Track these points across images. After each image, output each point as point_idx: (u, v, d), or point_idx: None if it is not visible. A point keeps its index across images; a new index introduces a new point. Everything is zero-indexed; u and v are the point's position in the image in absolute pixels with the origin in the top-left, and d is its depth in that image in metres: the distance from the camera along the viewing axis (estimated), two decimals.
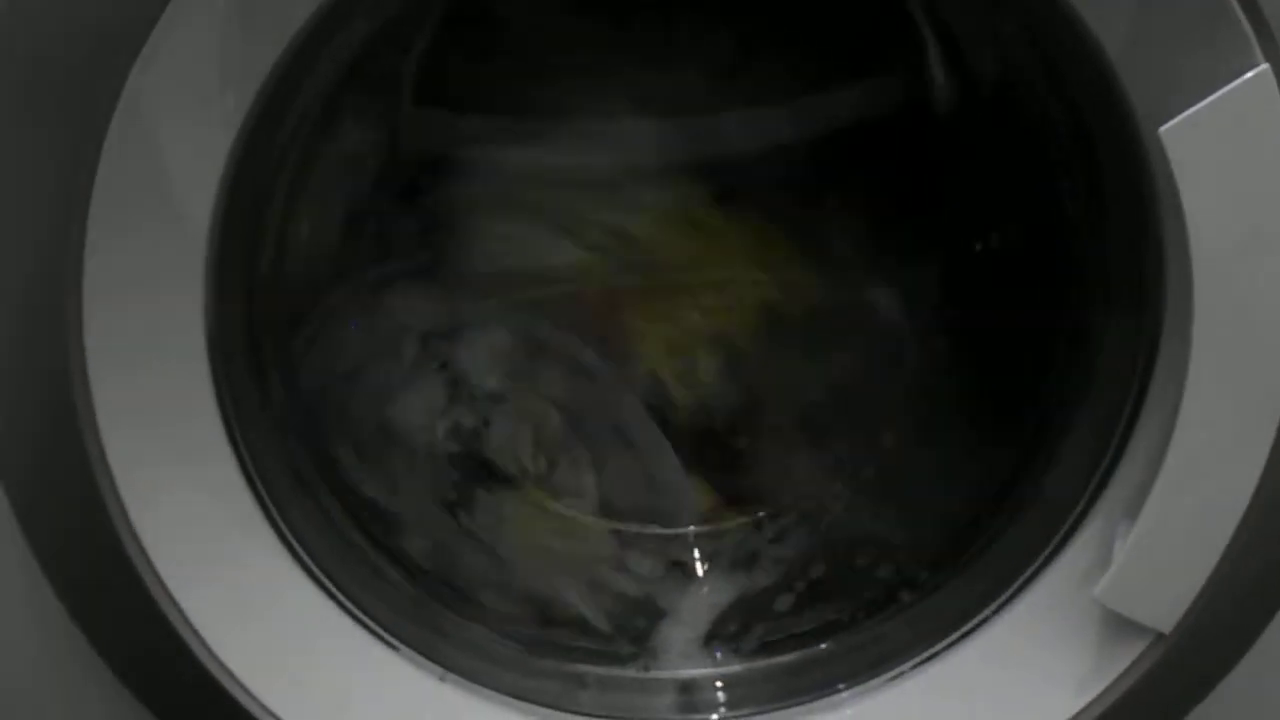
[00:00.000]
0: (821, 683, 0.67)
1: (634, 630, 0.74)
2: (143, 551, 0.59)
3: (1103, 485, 0.63)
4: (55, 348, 0.56)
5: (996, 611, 0.64)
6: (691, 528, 0.80)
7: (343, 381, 0.74)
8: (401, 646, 0.64)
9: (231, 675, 0.60)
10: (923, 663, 0.65)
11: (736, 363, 0.80)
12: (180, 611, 0.59)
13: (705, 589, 0.76)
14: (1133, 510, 0.60)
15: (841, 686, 0.66)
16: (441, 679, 0.65)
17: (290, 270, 0.70)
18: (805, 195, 0.78)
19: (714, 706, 0.70)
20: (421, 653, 0.65)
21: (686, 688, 0.71)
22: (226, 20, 0.54)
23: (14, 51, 0.54)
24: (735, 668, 0.71)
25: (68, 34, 0.53)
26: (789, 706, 0.66)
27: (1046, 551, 0.64)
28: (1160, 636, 0.60)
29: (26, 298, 0.56)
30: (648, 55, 0.76)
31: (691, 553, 0.79)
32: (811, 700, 0.66)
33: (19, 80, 0.54)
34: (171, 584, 0.59)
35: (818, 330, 0.80)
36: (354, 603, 0.64)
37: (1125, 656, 0.61)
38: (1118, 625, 0.60)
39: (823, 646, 0.70)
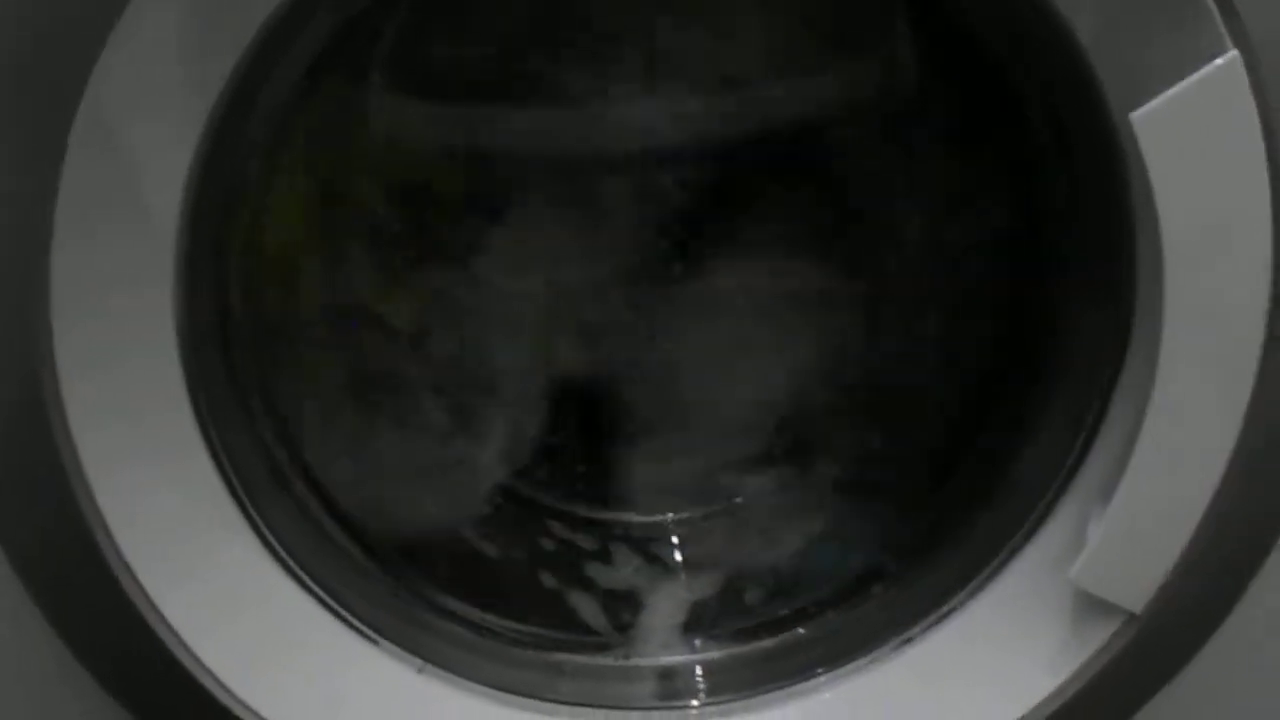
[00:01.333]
0: (800, 667, 0.67)
1: (613, 620, 0.74)
2: (118, 551, 0.58)
3: (1076, 469, 0.63)
4: (24, 348, 0.56)
5: (973, 595, 0.64)
6: (670, 515, 0.80)
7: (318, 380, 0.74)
8: (381, 640, 0.64)
9: (211, 674, 0.60)
10: (900, 646, 0.65)
11: (708, 350, 0.80)
12: (157, 611, 0.59)
13: (683, 577, 0.77)
14: (1106, 494, 0.60)
15: (820, 670, 0.66)
16: (420, 670, 0.65)
17: (263, 265, 0.69)
18: (777, 183, 0.78)
19: (694, 693, 0.70)
20: (401, 645, 0.65)
21: (666, 675, 0.71)
22: (189, 15, 0.53)
23: None
24: (714, 654, 0.71)
25: (30, 32, 0.52)
26: (768, 691, 0.66)
27: (1021, 535, 0.64)
28: (1132, 617, 0.61)
29: None
30: (625, 41, 0.75)
31: (669, 540, 0.79)
32: (790, 684, 0.66)
33: None
34: (148, 583, 0.59)
35: (788, 318, 0.80)
36: (333, 597, 0.64)
37: (1098, 636, 0.62)
38: (1091, 606, 0.61)
39: (800, 632, 0.71)
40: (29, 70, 0.53)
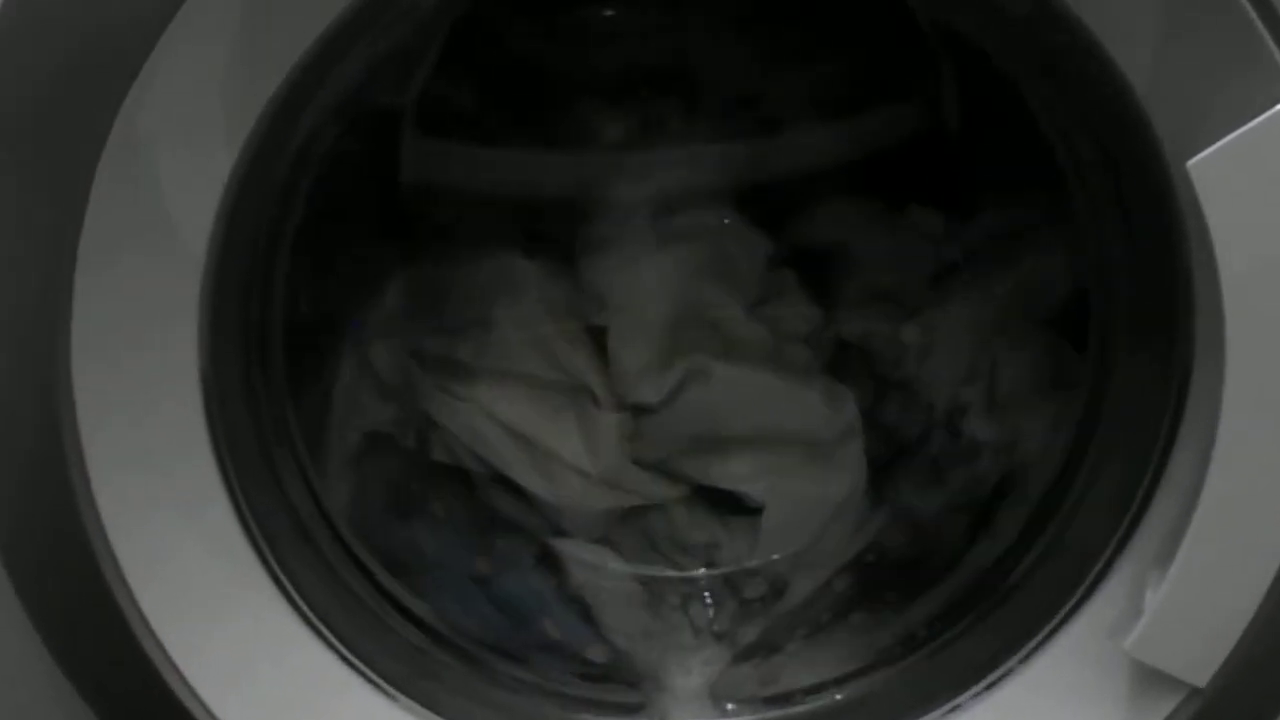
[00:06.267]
0: None
1: (644, 681, 0.71)
2: (135, 605, 0.57)
3: (1132, 530, 0.61)
4: (43, 393, 0.55)
5: (1021, 663, 0.62)
6: (702, 571, 0.78)
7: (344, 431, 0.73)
8: (400, 696, 0.63)
9: None
10: (944, 715, 0.63)
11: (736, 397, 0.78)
12: (174, 665, 0.58)
13: (716, 636, 0.75)
14: (1164, 557, 0.58)
15: None
16: None
17: (290, 312, 0.68)
18: (829, 225, 0.77)
19: None
20: (424, 704, 0.63)
21: None
22: (224, 49, 0.53)
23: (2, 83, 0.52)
24: None
25: (59, 66, 0.52)
26: None
27: (1073, 600, 0.62)
28: (1195, 691, 0.58)
29: (11, 340, 0.54)
30: (660, 85, 0.75)
31: (702, 598, 0.77)
32: None
33: (6, 112, 0.53)
34: (165, 637, 0.58)
35: (836, 367, 0.78)
36: (354, 652, 0.63)
37: (1157, 712, 0.59)
38: (1149, 678, 0.58)
39: (837, 698, 0.68)
40: (58, 99, 0.52)
